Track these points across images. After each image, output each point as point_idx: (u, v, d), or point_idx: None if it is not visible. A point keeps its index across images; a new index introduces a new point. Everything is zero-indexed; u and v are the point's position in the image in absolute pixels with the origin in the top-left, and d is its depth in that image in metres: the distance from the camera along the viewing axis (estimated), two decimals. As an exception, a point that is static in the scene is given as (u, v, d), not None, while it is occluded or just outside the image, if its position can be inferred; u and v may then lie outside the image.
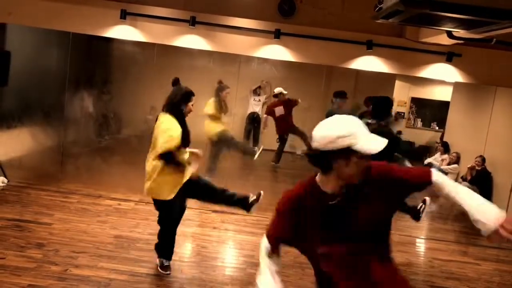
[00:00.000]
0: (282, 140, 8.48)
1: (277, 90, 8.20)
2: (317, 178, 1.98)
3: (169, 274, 4.13)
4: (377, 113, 4.52)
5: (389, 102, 4.58)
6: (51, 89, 7.48)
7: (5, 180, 6.08)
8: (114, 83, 9.73)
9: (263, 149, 7.20)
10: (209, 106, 6.70)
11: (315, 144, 1.88)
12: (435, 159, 10.05)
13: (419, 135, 12.11)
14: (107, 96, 9.15)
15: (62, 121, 7.59)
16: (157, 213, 5.79)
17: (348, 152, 1.84)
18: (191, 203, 6.24)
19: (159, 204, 4.08)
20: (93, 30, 6.13)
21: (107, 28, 6.07)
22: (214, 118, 6.72)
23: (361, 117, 4.96)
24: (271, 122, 8.24)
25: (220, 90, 6.71)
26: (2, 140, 6.62)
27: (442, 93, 11.49)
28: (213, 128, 6.73)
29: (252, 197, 4.25)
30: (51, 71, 7.80)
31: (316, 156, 1.90)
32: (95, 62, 9.32)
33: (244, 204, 4.25)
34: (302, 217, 1.99)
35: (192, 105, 4.08)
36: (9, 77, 6.23)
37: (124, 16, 5.92)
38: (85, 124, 8.82)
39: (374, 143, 1.85)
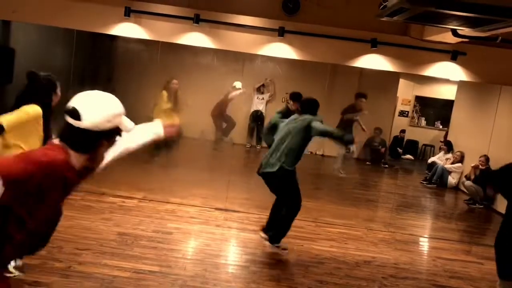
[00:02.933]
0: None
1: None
2: (71, 153, 1.76)
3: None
4: (308, 112, 4.70)
5: (316, 104, 4.77)
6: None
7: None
8: (118, 80, 9.74)
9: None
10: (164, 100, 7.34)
11: (86, 123, 1.70)
12: (439, 158, 10.04)
13: (423, 134, 12.08)
14: (111, 93, 9.16)
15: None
16: (161, 210, 5.82)
17: (113, 132, 1.79)
18: (194, 200, 6.28)
19: None
20: (97, 27, 6.13)
21: (111, 25, 6.07)
22: (168, 112, 7.28)
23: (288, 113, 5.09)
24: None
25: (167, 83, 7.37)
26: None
27: (446, 92, 11.46)
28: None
29: None
30: (56, 68, 7.80)
31: (83, 135, 1.73)
32: (99, 59, 9.34)
33: None
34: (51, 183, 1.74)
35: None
36: (13, 74, 6.25)
37: (128, 13, 5.93)
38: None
39: (130, 122, 1.84)
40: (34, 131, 3.42)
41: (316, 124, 4.53)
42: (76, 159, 1.77)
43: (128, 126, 1.83)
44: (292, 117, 4.83)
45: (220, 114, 9.16)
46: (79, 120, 1.70)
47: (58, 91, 3.53)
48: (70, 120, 1.72)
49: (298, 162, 4.67)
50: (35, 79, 3.49)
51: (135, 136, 2.18)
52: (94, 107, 1.73)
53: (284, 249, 4.85)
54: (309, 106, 4.75)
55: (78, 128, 1.71)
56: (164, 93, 7.39)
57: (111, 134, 1.79)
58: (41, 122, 3.45)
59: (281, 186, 4.67)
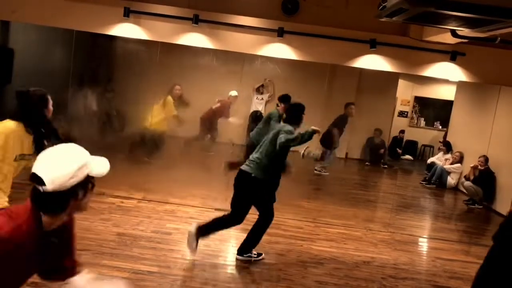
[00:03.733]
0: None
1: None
2: (43, 218, 1.71)
3: None
4: (291, 118, 4.61)
5: (302, 109, 4.66)
6: (55, 87, 7.43)
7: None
8: (118, 81, 9.73)
9: None
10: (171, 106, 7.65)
11: (51, 187, 1.63)
12: (438, 158, 10.04)
13: (422, 134, 12.09)
14: (110, 94, 9.16)
15: (65, 119, 7.60)
16: (160, 210, 5.81)
17: (86, 182, 1.73)
18: (194, 201, 6.27)
19: None
20: (96, 28, 6.13)
21: (110, 26, 6.07)
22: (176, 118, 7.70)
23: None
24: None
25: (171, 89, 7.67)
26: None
27: (445, 92, 11.47)
28: (162, 125, 7.73)
29: None
30: (55, 68, 7.81)
31: (52, 198, 1.66)
32: (98, 60, 9.33)
33: None
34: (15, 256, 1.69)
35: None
36: (12, 74, 6.25)
37: (128, 14, 5.93)
38: (88, 122, 8.83)
39: (102, 162, 1.79)
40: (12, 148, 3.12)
41: (280, 139, 4.31)
42: (50, 221, 1.72)
43: (99, 171, 1.76)
44: (278, 125, 4.73)
45: (209, 122, 9.17)
46: (43, 185, 1.63)
47: (50, 106, 3.36)
48: (37, 186, 1.66)
49: (274, 173, 4.52)
50: (26, 97, 3.32)
51: None
52: (53, 168, 1.65)
53: (259, 254, 4.71)
54: (291, 111, 4.68)
55: (46, 193, 1.64)
56: (170, 99, 7.60)
57: (82, 186, 1.72)
58: (23, 138, 3.14)
59: (249, 193, 4.53)
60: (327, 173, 8.93)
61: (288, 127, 4.46)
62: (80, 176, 1.69)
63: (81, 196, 1.73)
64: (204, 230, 4.49)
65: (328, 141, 8.49)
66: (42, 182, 1.63)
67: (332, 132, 8.39)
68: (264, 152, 4.48)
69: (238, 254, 4.63)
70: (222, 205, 6.18)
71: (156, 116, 7.69)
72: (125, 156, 7.75)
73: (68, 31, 6.64)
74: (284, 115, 4.83)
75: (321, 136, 8.63)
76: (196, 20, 5.92)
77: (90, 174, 1.74)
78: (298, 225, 5.85)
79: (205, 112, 9.00)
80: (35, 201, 1.69)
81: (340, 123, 8.44)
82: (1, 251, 1.61)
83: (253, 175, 4.42)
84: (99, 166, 1.77)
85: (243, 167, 4.53)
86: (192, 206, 6.12)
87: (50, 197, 1.66)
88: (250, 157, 4.58)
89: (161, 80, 7.93)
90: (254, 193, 4.50)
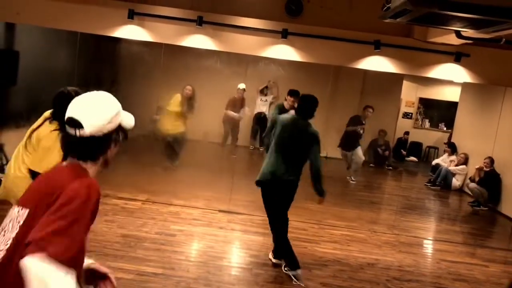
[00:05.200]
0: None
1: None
2: (87, 167, 1.67)
3: None
4: (304, 110, 4.40)
5: (315, 101, 4.43)
6: (59, 89, 7.51)
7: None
8: (122, 83, 9.76)
9: None
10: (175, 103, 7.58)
11: (90, 130, 1.59)
12: (443, 160, 10.00)
13: (426, 136, 12.06)
14: (114, 96, 9.18)
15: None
16: (164, 212, 5.82)
17: (117, 131, 1.70)
18: (198, 202, 6.28)
19: None
20: (101, 30, 6.15)
21: (114, 28, 6.09)
22: (179, 116, 7.58)
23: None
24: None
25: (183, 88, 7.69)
26: (11, 139, 6.65)
27: (450, 94, 11.44)
28: (177, 127, 7.60)
29: None
30: (59, 70, 7.83)
31: (90, 143, 1.62)
32: (102, 62, 9.35)
33: None
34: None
35: None
36: (17, 76, 6.27)
37: (132, 16, 5.94)
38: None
39: (130, 116, 1.76)
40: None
41: (317, 160, 4.33)
42: (91, 170, 1.68)
43: (129, 122, 1.75)
44: (288, 116, 4.55)
45: (232, 123, 9.14)
46: (81, 128, 1.60)
47: None
48: (71, 131, 1.62)
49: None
50: (67, 98, 3.27)
51: None
52: (91, 111, 1.63)
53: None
54: (305, 102, 4.43)
55: (82, 137, 1.61)
56: (178, 96, 7.62)
57: (116, 134, 1.71)
58: None
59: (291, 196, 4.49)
60: (354, 182, 8.85)
61: (317, 132, 4.35)
62: (115, 122, 1.67)
63: (113, 145, 1.71)
64: (277, 253, 4.61)
65: (348, 144, 8.50)
66: (79, 125, 1.59)
67: (352, 133, 8.37)
68: (291, 156, 4.36)
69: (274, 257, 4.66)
70: (226, 206, 6.19)
71: (171, 119, 7.69)
72: (128, 158, 7.76)
73: (72, 33, 6.66)
74: (295, 107, 4.69)
75: (340, 142, 8.69)
76: (200, 22, 5.93)
77: (121, 124, 1.72)
78: (302, 227, 5.84)
79: (225, 115, 8.97)
80: (73, 149, 1.64)
81: (354, 124, 8.43)
82: (95, 207, 1.60)
83: (291, 178, 4.37)
84: (129, 118, 1.76)
85: (285, 177, 4.36)
86: (196, 207, 6.12)
87: (88, 142, 1.61)
88: (274, 162, 4.40)
89: (165, 82, 7.95)
90: (292, 195, 4.46)
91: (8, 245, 1.50)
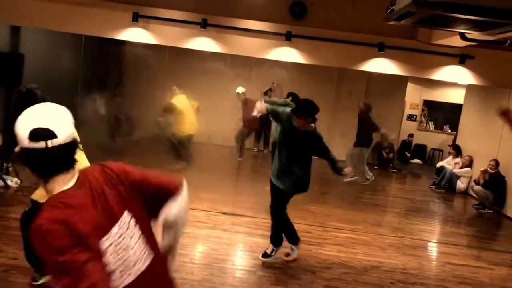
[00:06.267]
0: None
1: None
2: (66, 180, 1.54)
3: None
4: (301, 111, 4.28)
5: (313, 107, 4.28)
6: (64, 91, 7.54)
7: (18, 181, 6.15)
8: (126, 85, 9.80)
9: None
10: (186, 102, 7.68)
11: (62, 138, 1.47)
12: (448, 162, 9.97)
13: (431, 138, 12.02)
14: (119, 98, 9.22)
15: (74, 123, 7.65)
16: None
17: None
18: (201, 205, 6.28)
19: None
20: (105, 32, 6.18)
21: (119, 30, 6.11)
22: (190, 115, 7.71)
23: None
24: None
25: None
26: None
27: (454, 96, 11.39)
28: (192, 127, 7.71)
29: None
30: (64, 73, 7.87)
31: (63, 152, 1.49)
32: (107, 64, 9.39)
33: None
34: None
35: None
36: (22, 79, 6.30)
37: (136, 18, 5.96)
38: (97, 126, 8.89)
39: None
40: None
41: (333, 158, 4.49)
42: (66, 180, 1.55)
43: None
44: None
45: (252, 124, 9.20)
46: (53, 138, 1.46)
47: None
48: (40, 144, 1.46)
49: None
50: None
51: None
52: (55, 119, 1.50)
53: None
54: (303, 105, 4.34)
55: (53, 148, 1.46)
56: (183, 96, 7.71)
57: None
58: None
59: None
60: (365, 183, 8.77)
61: (322, 136, 4.43)
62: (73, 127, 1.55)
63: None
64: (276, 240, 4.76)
65: (362, 143, 8.36)
66: (52, 135, 1.45)
67: (364, 133, 8.23)
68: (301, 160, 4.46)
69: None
70: (230, 209, 6.18)
71: (185, 120, 7.74)
72: (133, 160, 7.78)
73: (77, 36, 6.70)
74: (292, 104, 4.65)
75: (354, 142, 8.59)
76: (204, 25, 5.94)
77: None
78: (306, 230, 5.83)
79: (245, 117, 8.97)
80: (42, 166, 1.50)
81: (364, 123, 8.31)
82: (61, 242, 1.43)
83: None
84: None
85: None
86: (200, 210, 6.12)
87: (63, 151, 1.48)
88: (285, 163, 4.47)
89: (169, 84, 7.96)
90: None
91: None
